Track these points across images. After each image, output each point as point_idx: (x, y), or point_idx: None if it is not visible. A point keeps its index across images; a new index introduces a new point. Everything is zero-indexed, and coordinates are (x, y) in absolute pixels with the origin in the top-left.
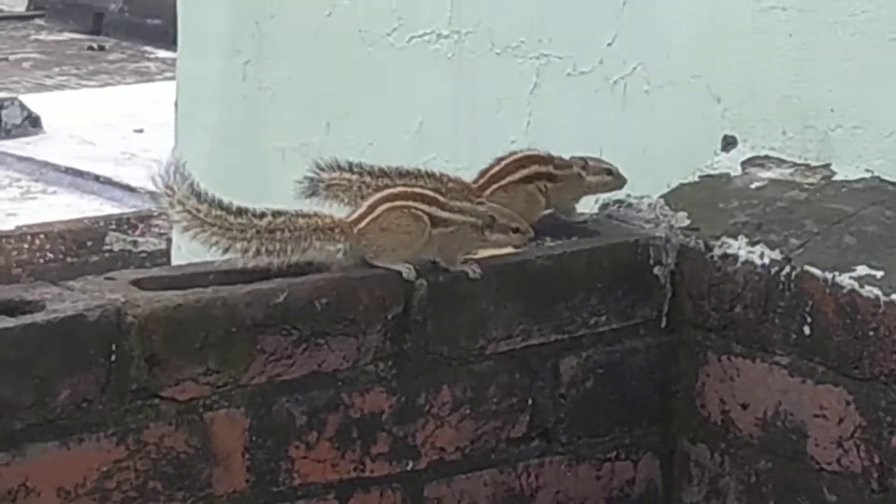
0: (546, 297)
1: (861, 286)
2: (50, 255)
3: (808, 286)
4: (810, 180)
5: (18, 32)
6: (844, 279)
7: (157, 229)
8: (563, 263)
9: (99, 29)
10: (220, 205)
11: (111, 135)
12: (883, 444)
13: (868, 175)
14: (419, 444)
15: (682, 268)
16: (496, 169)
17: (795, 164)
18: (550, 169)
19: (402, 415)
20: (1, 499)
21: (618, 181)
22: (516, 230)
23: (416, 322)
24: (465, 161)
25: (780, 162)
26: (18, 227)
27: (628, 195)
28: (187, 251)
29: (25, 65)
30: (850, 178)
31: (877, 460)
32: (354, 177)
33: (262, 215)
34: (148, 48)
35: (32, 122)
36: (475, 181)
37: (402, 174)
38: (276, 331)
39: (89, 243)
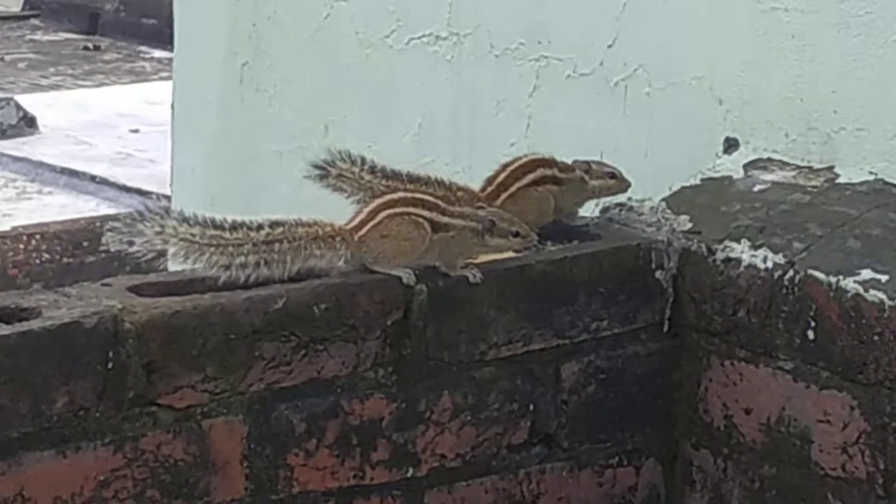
0: (547, 301)
1: (866, 290)
2: (46, 256)
3: (812, 290)
4: (813, 183)
5: (14, 33)
6: (849, 283)
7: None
8: (564, 268)
9: (94, 29)
10: (213, 224)
11: (107, 135)
12: (888, 449)
13: (872, 177)
14: (419, 451)
15: (685, 272)
16: (503, 176)
17: (798, 167)
18: (555, 172)
19: (402, 421)
20: None
21: (621, 184)
22: (517, 234)
23: (416, 327)
24: (464, 164)
25: (783, 164)
26: (14, 228)
27: (629, 198)
28: None
29: (21, 65)
30: (854, 180)
31: (882, 466)
32: (365, 174)
33: (260, 227)
34: (143, 48)
35: (28, 123)
36: (482, 189)
37: (413, 179)
38: (275, 337)
39: (85, 244)
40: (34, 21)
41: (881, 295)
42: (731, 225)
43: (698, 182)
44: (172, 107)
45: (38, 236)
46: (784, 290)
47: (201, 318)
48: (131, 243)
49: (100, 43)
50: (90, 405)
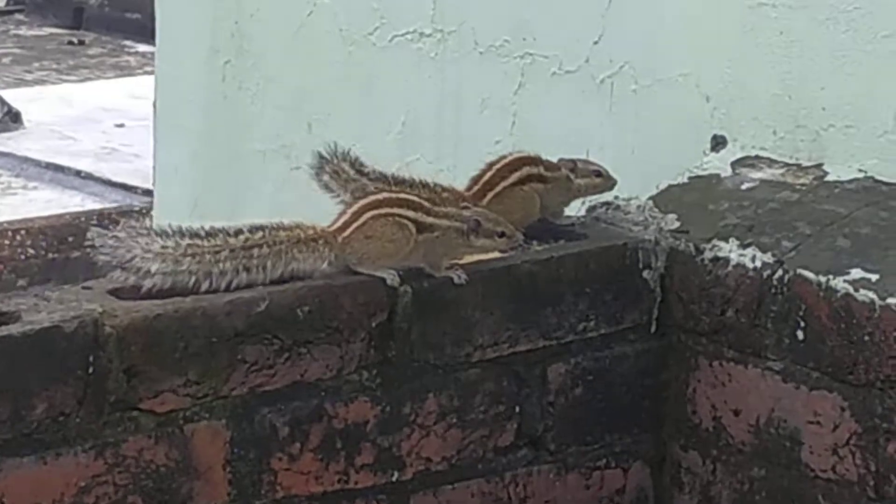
0: (533, 302)
1: (856, 290)
2: (31, 251)
3: (802, 290)
4: (802, 181)
5: None
6: (838, 283)
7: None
8: (551, 268)
9: (79, 24)
10: (189, 233)
11: (92, 130)
12: (879, 451)
13: (861, 175)
14: (405, 455)
15: (672, 271)
16: (488, 175)
17: (787, 165)
18: (541, 170)
19: (386, 424)
20: None
21: (607, 183)
22: (502, 234)
23: (401, 329)
24: (448, 162)
25: (771, 162)
26: None
27: (616, 197)
28: None
29: (5, 60)
30: (843, 178)
31: (873, 468)
32: (354, 174)
33: (238, 233)
34: (128, 42)
35: (13, 118)
36: (468, 189)
37: (398, 181)
38: (258, 340)
39: (71, 239)
40: (18, 16)
41: (871, 294)
42: (718, 224)
43: (686, 180)
44: (154, 105)
45: (22, 231)
46: (773, 290)
47: (183, 321)
48: (112, 266)
49: (84, 38)
50: (70, 410)
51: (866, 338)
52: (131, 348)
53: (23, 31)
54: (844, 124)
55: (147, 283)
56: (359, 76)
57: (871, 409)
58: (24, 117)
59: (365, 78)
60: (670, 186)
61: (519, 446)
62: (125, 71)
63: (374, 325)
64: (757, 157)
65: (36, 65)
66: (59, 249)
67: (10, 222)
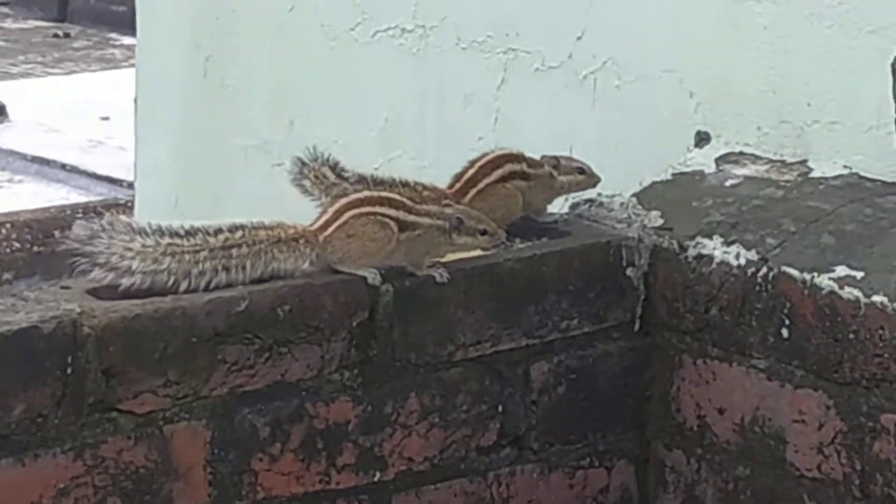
0: (516, 300)
1: (840, 287)
2: (17, 245)
3: (786, 287)
4: (787, 177)
5: None
6: (823, 280)
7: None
8: (533, 266)
9: (64, 16)
10: (169, 232)
11: (77, 122)
12: (864, 450)
13: (846, 171)
14: (386, 455)
15: (656, 269)
16: (471, 173)
17: (771, 161)
18: (524, 167)
19: (368, 424)
20: None
21: (591, 180)
22: (484, 232)
23: (382, 328)
24: (431, 159)
25: (756, 158)
26: None
27: (599, 194)
28: None
29: None
30: (828, 174)
31: (858, 467)
32: (335, 178)
33: (218, 232)
34: (113, 35)
35: None
36: (450, 186)
37: (377, 182)
38: (238, 340)
39: (56, 232)
40: (3, 8)
41: (856, 292)
42: (702, 221)
43: (669, 177)
44: (135, 101)
45: (8, 225)
46: (757, 288)
47: (162, 321)
48: (91, 266)
49: (69, 30)
50: (49, 412)
51: (851, 336)
52: (110, 349)
53: (7, 23)
54: (829, 120)
55: (126, 282)
56: (340, 72)
57: (856, 408)
58: (9, 110)
59: (347, 74)
60: (654, 183)
61: (502, 446)
62: (111, 64)
63: (355, 324)
64: (741, 153)
65: (21, 58)
66: (44, 243)
67: None
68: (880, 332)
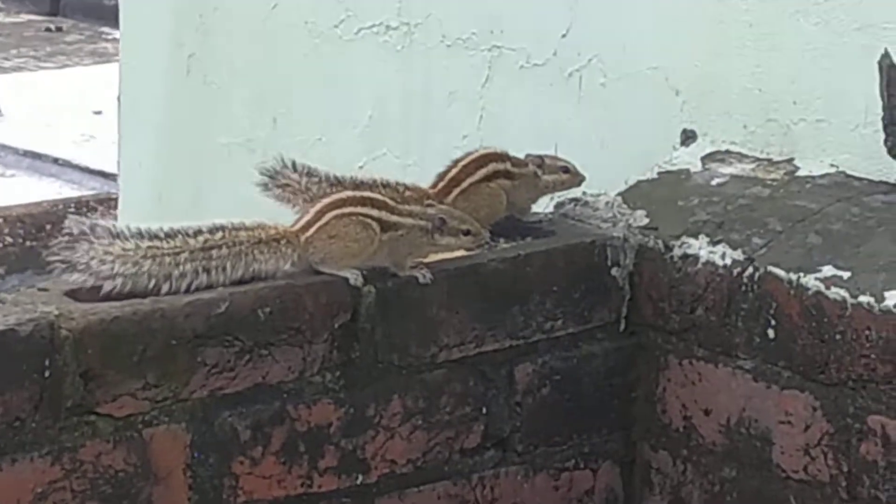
0: (499, 301)
1: (827, 288)
2: (9, 240)
3: (772, 287)
4: (773, 176)
5: None
6: (810, 280)
7: (116, 212)
8: (517, 266)
9: (56, 10)
10: (148, 234)
11: (70, 117)
12: (851, 451)
13: (833, 170)
14: (369, 457)
15: (641, 269)
16: (454, 172)
17: (757, 159)
18: (508, 166)
19: (350, 427)
20: None
21: (575, 179)
22: (467, 233)
23: (365, 330)
24: (415, 157)
25: (742, 157)
26: None
27: (584, 193)
28: None
29: None
30: (815, 173)
31: (845, 468)
32: (311, 182)
33: (198, 233)
34: (105, 29)
35: None
36: (433, 186)
37: (358, 184)
38: (218, 342)
39: (48, 227)
40: None
41: (843, 293)
42: (688, 220)
43: (655, 175)
44: (119, 99)
45: (0, 220)
46: (743, 288)
47: (141, 323)
48: (71, 270)
49: (62, 24)
50: (26, 415)
51: (838, 336)
52: (88, 351)
53: (0, 17)
54: (816, 118)
55: (107, 286)
56: (324, 69)
57: (843, 409)
58: (2, 105)
59: (330, 71)
60: (639, 182)
61: (486, 448)
62: (103, 58)
63: (337, 325)
64: (727, 151)
65: (13, 52)
66: (36, 237)
67: None
68: (867, 332)
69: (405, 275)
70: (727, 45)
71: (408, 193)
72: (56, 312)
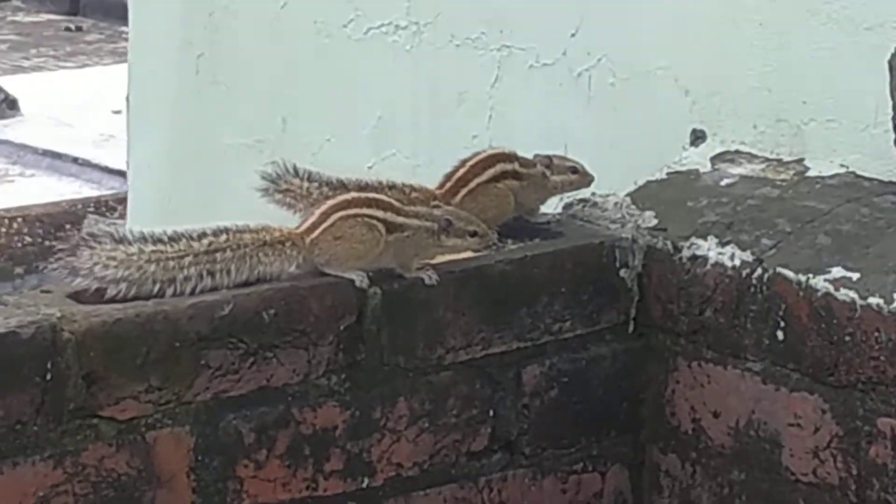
0: (507, 303)
1: (836, 289)
2: (28, 239)
3: (781, 289)
4: (783, 176)
5: None
6: (819, 282)
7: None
8: (525, 267)
9: (76, 9)
10: (152, 239)
11: (89, 116)
12: (861, 454)
13: (843, 170)
14: (375, 460)
15: (650, 270)
16: (461, 172)
17: (767, 160)
18: (516, 167)
19: (356, 430)
20: None
21: (584, 179)
22: (474, 234)
23: (370, 332)
24: (425, 157)
25: (752, 157)
26: None
27: (593, 193)
28: None
29: (2, 47)
30: (825, 173)
31: (854, 471)
32: (313, 187)
33: (202, 236)
34: (125, 28)
35: (10, 105)
36: (440, 186)
37: (363, 187)
38: (222, 345)
39: (67, 226)
40: (15, 2)
41: (852, 294)
42: (697, 221)
43: (664, 176)
44: (127, 100)
45: (19, 219)
46: (752, 289)
47: (144, 325)
48: (74, 276)
49: (82, 24)
50: (28, 419)
51: (847, 338)
52: (90, 354)
53: (20, 17)
54: (826, 118)
55: (111, 291)
56: (333, 70)
57: (852, 411)
58: (22, 104)
59: (340, 71)
60: (648, 182)
61: (493, 451)
62: (123, 57)
63: (342, 327)
64: (737, 151)
65: (33, 51)
66: (55, 237)
67: (6, 210)
68: (876, 334)
69: (411, 276)
70: (737, 45)
71: (414, 194)
72: (58, 315)
